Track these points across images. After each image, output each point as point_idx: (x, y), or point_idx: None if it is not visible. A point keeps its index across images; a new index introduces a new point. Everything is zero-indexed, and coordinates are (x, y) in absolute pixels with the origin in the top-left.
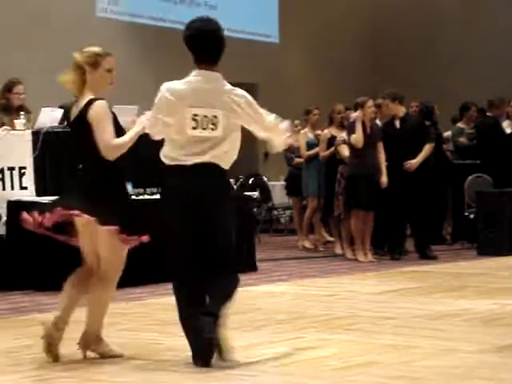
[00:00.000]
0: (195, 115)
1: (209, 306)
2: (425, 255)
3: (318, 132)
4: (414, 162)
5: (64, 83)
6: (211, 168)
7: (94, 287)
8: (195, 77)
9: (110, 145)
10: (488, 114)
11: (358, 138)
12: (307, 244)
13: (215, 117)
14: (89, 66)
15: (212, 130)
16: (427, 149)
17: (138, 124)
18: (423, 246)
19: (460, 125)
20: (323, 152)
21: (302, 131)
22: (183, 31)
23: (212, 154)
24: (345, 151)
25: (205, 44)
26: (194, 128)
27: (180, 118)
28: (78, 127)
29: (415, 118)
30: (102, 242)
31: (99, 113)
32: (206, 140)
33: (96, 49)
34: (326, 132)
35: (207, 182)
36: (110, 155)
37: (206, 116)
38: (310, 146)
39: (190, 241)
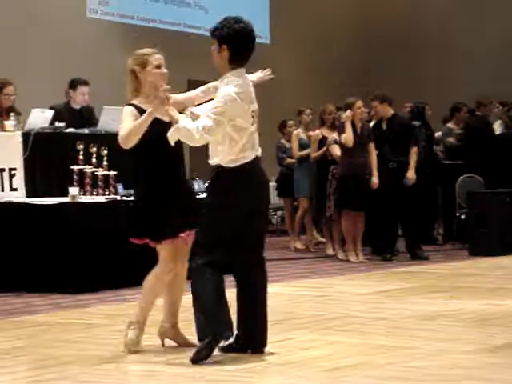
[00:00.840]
0: (252, 111)
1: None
2: (416, 256)
3: (310, 133)
4: (410, 175)
5: (129, 97)
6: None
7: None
8: (244, 77)
9: (120, 135)
10: (477, 113)
11: (347, 137)
12: (298, 245)
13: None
14: (137, 66)
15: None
16: (414, 152)
17: (147, 113)
18: (414, 247)
19: (449, 125)
20: (314, 153)
21: (294, 132)
22: (229, 29)
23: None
24: (336, 151)
25: (251, 44)
26: (252, 124)
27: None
28: None
29: (402, 119)
30: None
31: (121, 117)
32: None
33: (144, 50)
34: (318, 132)
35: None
36: (122, 144)
37: (254, 111)
38: (302, 146)
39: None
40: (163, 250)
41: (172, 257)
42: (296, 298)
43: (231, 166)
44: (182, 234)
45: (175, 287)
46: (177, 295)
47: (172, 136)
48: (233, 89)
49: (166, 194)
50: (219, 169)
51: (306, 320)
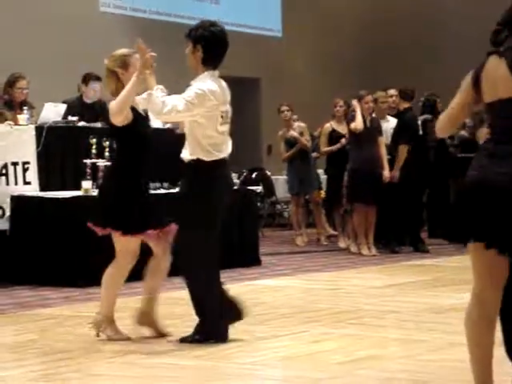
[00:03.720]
0: (222, 112)
1: None
2: (418, 249)
3: (291, 132)
4: (392, 173)
5: (111, 94)
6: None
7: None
8: (218, 78)
9: (111, 107)
10: None
11: (357, 123)
12: (299, 241)
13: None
14: (119, 69)
15: (228, 124)
16: (400, 151)
17: (134, 76)
18: (417, 240)
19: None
20: (324, 145)
21: (279, 132)
22: (204, 31)
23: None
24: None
25: (225, 48)
26: (221, 124)
27: (213, 116)
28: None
29: (409, 114)
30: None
31: (110, 110)
32: (227, 133)
33: (123, 50)
34: (328, 125)
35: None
36: (114, 116)
37: (224, 112)
38: (290, 145)
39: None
40: (128, 242)
41: (134, 250)
42: (308, 291)
43: (205, 159)
44: (150, 232)
45: (156, 274)
46: (157, 281)
47: (142, 102)
48: (207, 85)
49: (140, 189)
50: (191, 162)
51: (319, 313)
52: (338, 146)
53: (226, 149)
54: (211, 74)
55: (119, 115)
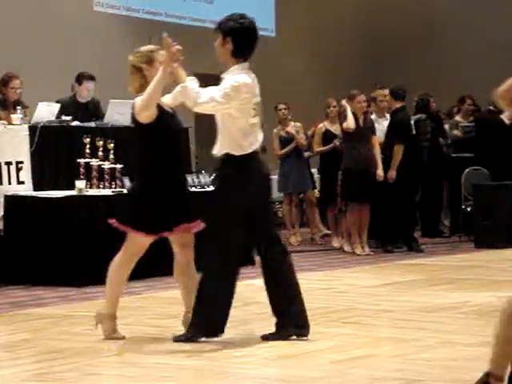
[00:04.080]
0: (255, 104)
1: None
2: (412, 248)
3: (288, 129)
4: (389, 173)
5: (132, 91)
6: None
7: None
8: (249, 70)
9: (137, 104)
10: (491, 108)
11: (348, 122)
12: (292, 240)
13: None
14: (145, 65)
15: (259, 116)
16: (396, 150)
17: (160, 70)
18: (411, 239)
19: (457, 118)
20: (317, 145)
21: (274, 130)
22: (234, 23)
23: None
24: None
25: (255, 40)
26: (253, 116)
27: (246, 109)
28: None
29: (402, 113)
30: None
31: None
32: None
33: (148, 47)
34: (321, 126)
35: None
36: (141, 111)
37: (256, 104)
38: (283, 143)
39: None
40: (142, 240)
41: (145, 245)
42: (302, 290)
43: (236, 154)
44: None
45: (190, 275)
46: (187, 282)
47: (175, 95)
48: (242, 78)
49: (164, 189)
50: (224, 157)
51: (312, 312)
52: (330, 146)
53: (258, 141)
54: (242, 66)
55: (146, 111)
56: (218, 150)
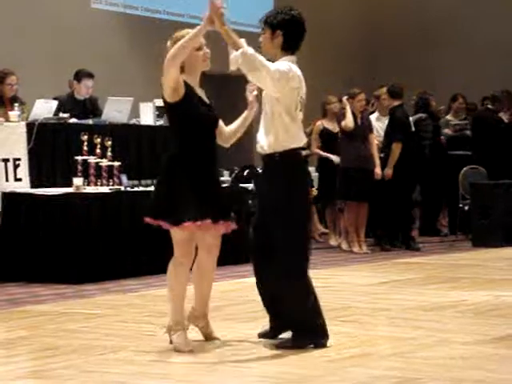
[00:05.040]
0: (301, 97)
1: None
2: (409, 246)
3: None
4: (386, 171)
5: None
6: None
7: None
8: (296, 65)
9: (169, 53)
10: (489, 106)
11: (347, 121)
12: None
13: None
14: None
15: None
16: (393, 148)
17: (202, 24)
18: (409, 238)
19: (448, 117)
20: (316, 143)
21: None
22: (284, 15)
23: None
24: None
25: (304, 32)
26: (300, 110)
27: (293, 102)
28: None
29: (400, 111)
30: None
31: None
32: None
33: (182, 32)
34: (319, 124)
35: None
36: (171, 60)
37: (302, 97)
38: None
39: None
40: (176, 234)
41: (183, 243)
42: None
43: (283, 150)
44: (199, 223)
45: (201, 278)
46: (203, 287)
47: (235, 59)
48: (291, 66)
49: (192, 179)
50: (273, 155)
51: None
52: (329, 156)
53: (303, 137)
54: (290, 59)
55: (176, 60)
56: (263, 148)
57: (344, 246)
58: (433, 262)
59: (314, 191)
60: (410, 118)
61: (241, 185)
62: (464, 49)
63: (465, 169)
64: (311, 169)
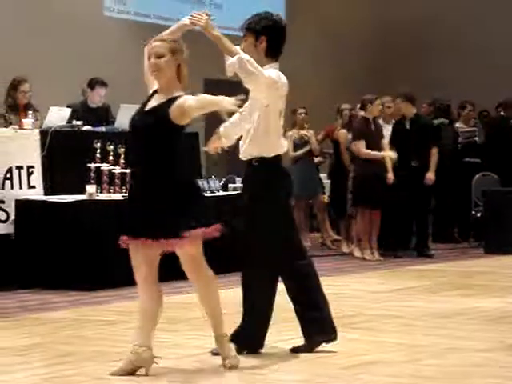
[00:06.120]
0: (283, 104)
1: None
2: (421, 253)
3: (304, 132)
4: (430, 176)
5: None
6: None
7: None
8: (280, 72)
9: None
10: (503, 114)
11: (364, 150)
12: None
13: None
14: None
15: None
16: (434, 153)
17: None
18: (423, 244)
19: (457, 124)
20: (344, 151)
21: (289, 132)
22: (267, 21)
23: None
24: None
25: (285, 37)
26: (280, 118)
27: (277, 108)
28: None
29: (425, 119)
30: None
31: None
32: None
33: (162, 35)
34: (344, 132)
35: None
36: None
37: (281, 108)
38: (297, 146)
39: None
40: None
41: (133, 258)
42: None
43: (269, 155)
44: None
45: (154, 300)
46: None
47: (232, 65)
48: (279, 74)
49: (189, 192)
50: (258, 160)
51: None
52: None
53: (284, 145)
54: (274, 66)
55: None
56: (247, 154)
57: (356, 253)
58: (445, 268)
59: (326, 198)
60: None
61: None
62: (469, 54)
63: (477, 175)
64: (323, 175)
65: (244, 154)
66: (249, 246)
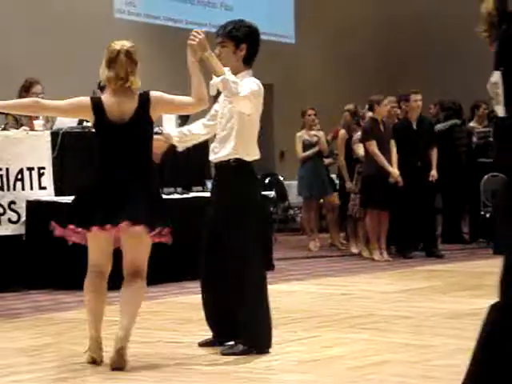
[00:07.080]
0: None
1: None
2: (431, 253)
3: (313, 132)
4: (434, 173)
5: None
6: None
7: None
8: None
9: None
10: None
11: (377, 151)
12: (311, 246)
13: None
14: None
15: None
16: (434, 152)
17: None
18: (432, 245)
19: (472, 124)
20: (342, 152)
21: (297, 133)
22: (247, 29)
23: None
24: (360, 150)
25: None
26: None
27: (258, 113)
28: None
29: (431, 119)
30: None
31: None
32: None
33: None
34: (343, 132)
35: None
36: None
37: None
38: (307, 147)
39: None
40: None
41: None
42: (320, 296)
43: (247, 159)
44: (94, 228)
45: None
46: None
47: (214, 86)
48: (255, 84)
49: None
50: (234, 162)
51: (330, 318)
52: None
53: (258, 151)
54: (250, 73)
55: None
56: (223, 155)
57: (365, 253)
58: (454, 269)
59: (336, 198)
60: (440, 125)
61: (262, 192)
62: (483, 53)
63: (486, 176)
64: (333, 176)
65: (217, 156)
66: (241, 247)
